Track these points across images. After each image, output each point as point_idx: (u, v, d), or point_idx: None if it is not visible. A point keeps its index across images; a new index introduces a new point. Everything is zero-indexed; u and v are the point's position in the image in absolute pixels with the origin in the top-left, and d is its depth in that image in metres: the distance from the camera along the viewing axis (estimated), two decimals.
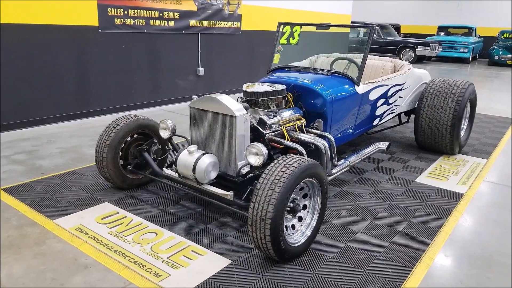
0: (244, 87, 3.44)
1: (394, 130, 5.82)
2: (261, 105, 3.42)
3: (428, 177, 4.10)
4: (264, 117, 3.26)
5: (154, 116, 6.13)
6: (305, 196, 2.71)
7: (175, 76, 7.03)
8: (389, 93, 4.23)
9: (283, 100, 3.59)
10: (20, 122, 5.18)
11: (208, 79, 7.60)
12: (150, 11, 6.31)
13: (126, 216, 3.07)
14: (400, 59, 16.27)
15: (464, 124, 4.98)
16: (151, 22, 6.38)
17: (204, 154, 2.97)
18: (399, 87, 4.39)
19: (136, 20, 6.15)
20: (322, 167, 2.66)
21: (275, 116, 3.32)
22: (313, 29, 4.17)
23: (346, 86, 3.71)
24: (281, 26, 4.26)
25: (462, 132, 4.94)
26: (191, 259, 2.56)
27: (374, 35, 16.47)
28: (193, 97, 3.28)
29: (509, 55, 15.89)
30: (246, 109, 3.25)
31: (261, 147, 2.74)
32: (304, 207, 2.72)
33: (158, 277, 2.37)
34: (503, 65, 16.20)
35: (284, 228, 2.54)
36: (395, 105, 4.56)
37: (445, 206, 3.46)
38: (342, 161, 3.56)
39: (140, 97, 6.57)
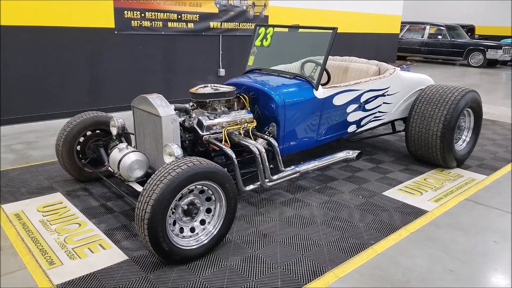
0: (193, 89, 3.47)
1: (401, 138, 5.42)
2: (208, 107, 3.43)
3: (401, 190, 3.77)
4: (202, 119, 3.26)
5: None
6: (209, 199, 2.68)
7: (193, 76, 7.24)
8: (364, 99, 3.96)
9: (235, 102, 3.55)
10: (37, 115, 5.72)
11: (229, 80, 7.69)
12: (168, 14, 6.57)
13: (66, 207, 3.27)
14: (468, 63, 14.97)
15: (467, 136, 4.49)
16: (169, 24, 6.64)
17: (132, 152, 3.07)
18: (379, 92, 4.08)
19: (153, 22, 6.45)
20: (224, 171, 2.61)
21: (216, 118, 3.31)
22: (306, 30, 4.05)
23: (304, 91, 3.57)
24: (257, 28, 4.21)
25: (464, 144, 4.45)
26: (92, 252, 2.66)
27: (440, 37, 15.33)
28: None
29: None
30: (181, 110, 3.30)
31: (173, 148, 2.76)
32: (209, 210, 2.69)
33: (50, 265, 2.51)
34: None
35: (176, 230, 2.55)
36: (379, 112, 4.25)
37: (395, 222, 3.17)
38: (292, 167, 3.43)
39: None
